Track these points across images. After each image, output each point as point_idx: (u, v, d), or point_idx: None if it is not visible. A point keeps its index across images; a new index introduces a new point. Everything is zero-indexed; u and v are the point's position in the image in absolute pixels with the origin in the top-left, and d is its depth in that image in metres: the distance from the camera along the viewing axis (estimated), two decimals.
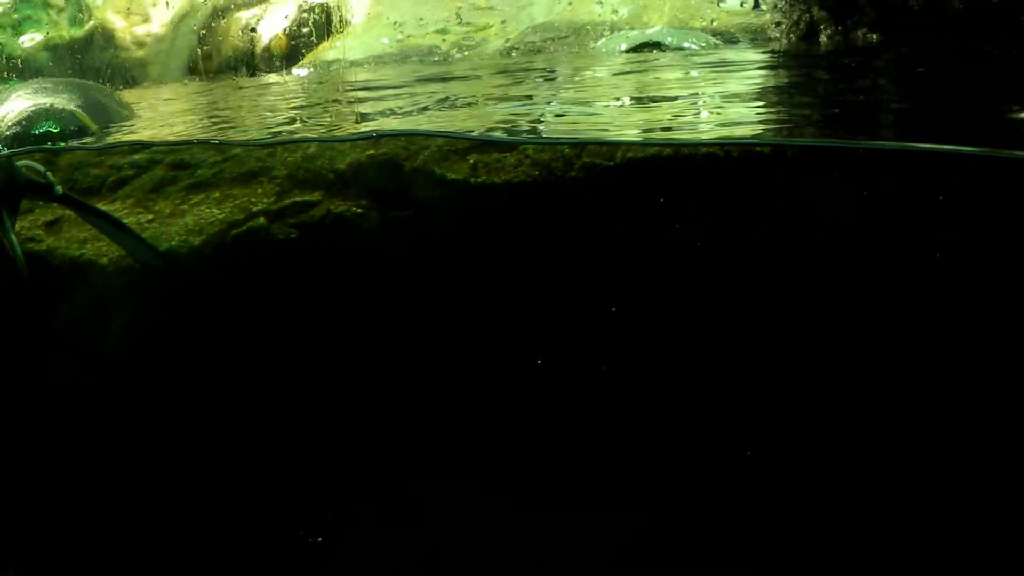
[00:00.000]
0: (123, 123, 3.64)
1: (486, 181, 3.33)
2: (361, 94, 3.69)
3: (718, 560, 3.19)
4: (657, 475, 3.25)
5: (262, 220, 3.45)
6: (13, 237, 3.06)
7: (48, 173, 3.14)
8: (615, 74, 4.03)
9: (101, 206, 3.58)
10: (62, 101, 3.28)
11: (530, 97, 3.58)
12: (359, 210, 3.43)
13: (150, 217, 3.57)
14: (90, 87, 3.66)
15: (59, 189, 3.17)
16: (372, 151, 3.43)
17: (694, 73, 3.94)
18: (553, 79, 3.83)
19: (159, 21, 5.81)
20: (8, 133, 3.15)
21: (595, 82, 3.89)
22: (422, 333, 3.34)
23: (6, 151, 3.13)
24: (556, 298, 3.30)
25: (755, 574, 3.17)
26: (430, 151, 3.37)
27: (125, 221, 3.58)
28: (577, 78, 3.90)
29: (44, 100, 3.24)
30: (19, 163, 3.09)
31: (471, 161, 3.36)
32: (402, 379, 3.36)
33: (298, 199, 3.48)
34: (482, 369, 3.35)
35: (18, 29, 5.70)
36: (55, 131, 3.17)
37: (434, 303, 3.33)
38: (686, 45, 4.71)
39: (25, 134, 3.15)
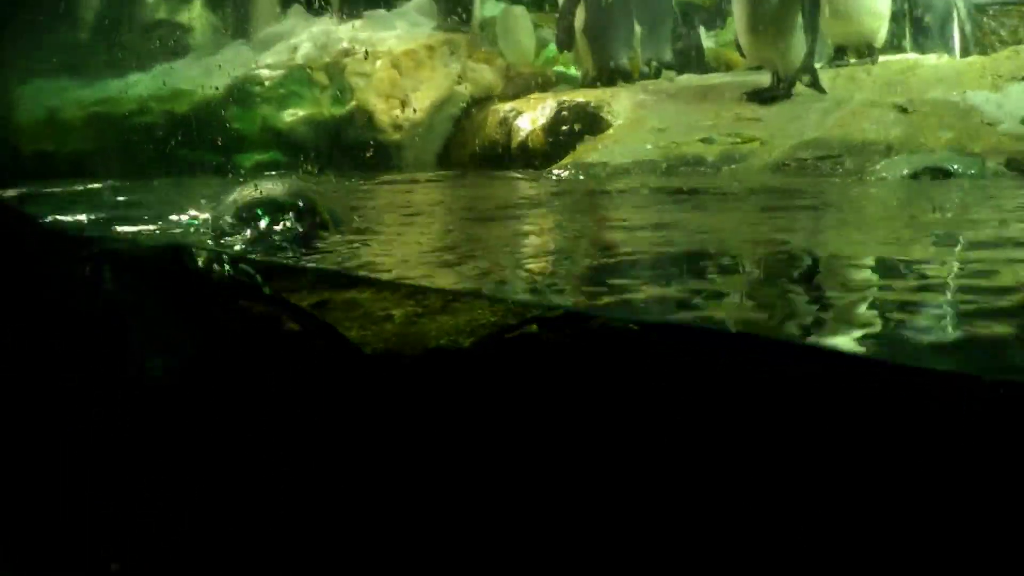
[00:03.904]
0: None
1: None
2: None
3: None
4: None
5: (535, 327, 3.33)
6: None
7: (257, 276, 3.43)
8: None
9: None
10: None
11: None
12: (635, 327, 3.25)
13: (420, 311, 3.50)
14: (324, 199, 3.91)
15: (267, 290, 3.48)
16: None
17: None
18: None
19: (418, 106, 5.95)
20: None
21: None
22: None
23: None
24: None
25: None
26: None
27: (393, 312, 3.55)
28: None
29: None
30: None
31: None
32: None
33: (574, 308, 3.34)
34: None
35: (282, 104, 5.99)
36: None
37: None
38: (974, 172, 4.38)
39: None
